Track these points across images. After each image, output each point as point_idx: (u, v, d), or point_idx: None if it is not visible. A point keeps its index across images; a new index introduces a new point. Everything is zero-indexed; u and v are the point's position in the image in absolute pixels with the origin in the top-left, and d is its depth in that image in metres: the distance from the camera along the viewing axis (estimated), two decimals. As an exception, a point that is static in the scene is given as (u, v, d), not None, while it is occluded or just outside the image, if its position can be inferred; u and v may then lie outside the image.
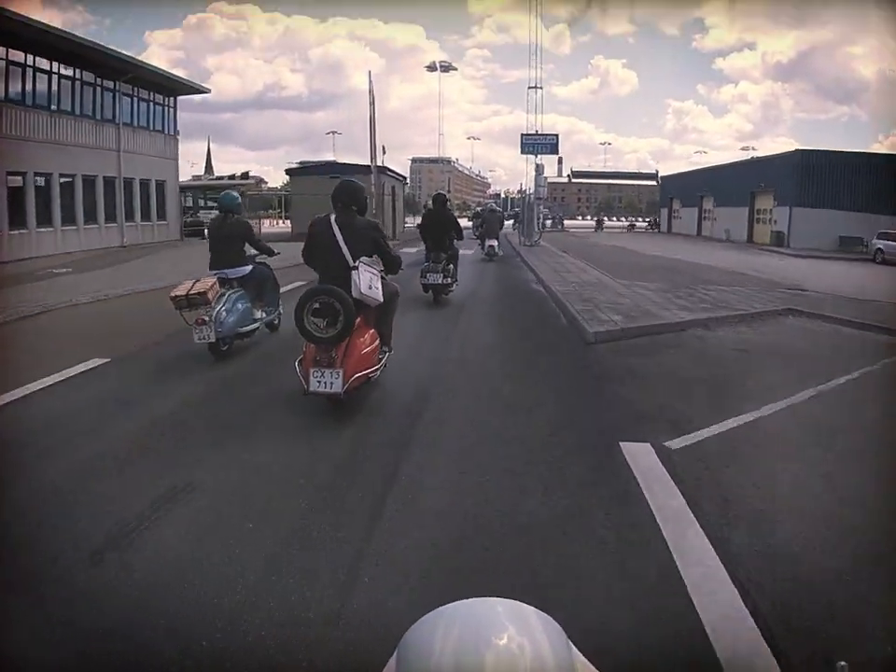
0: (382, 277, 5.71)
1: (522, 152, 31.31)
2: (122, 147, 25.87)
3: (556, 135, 32.29)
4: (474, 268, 18.42)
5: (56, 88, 22.61)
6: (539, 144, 31.48)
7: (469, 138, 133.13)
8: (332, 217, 5.51)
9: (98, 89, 24.87)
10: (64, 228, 22.57)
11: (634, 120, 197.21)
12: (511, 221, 45.26)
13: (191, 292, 7.07)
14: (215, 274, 7.61)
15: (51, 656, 2.50)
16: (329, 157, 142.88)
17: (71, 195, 22.96)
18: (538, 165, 29.32)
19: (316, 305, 5.19)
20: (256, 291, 8.05)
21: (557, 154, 32.10)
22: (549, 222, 51.74)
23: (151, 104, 28.49)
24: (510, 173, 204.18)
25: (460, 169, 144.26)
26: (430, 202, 13.96)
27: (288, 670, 2.42)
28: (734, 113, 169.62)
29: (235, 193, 8.59)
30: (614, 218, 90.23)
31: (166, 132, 29.67)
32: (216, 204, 10.79)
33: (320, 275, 5.58)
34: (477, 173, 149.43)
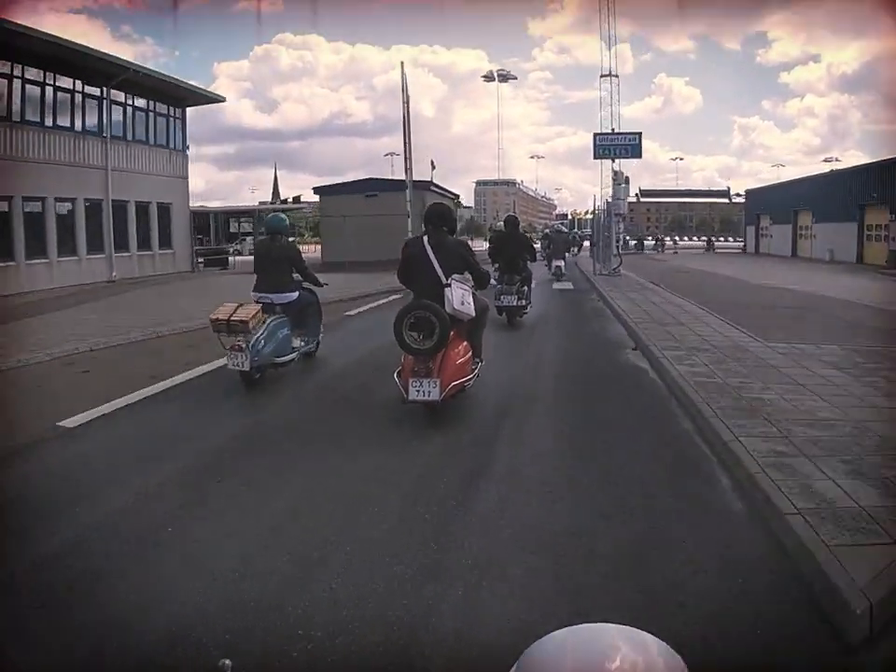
0: (472, 293, 5.90)
1: (595, 156, 23.87)
2: (111, 165, 21.54)
3: (639, 134, 24.37)
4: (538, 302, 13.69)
5: (20, 94, 18.47)
6: (616, 146, 23.67)
7: (532, 157, 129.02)
8: (425, 238, 5.82)
9: (78, 96, 20.60)
10: (31, 262, 18.35)
11: (699, 138, 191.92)
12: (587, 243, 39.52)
13: (233, 318, 6.76)
14: (258, 299, 7.33)
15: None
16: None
17: (41, 223, 18.83)
18: (616, 173, 22.97)
19: (412, 320, 5.47)
20: (298, 319, 7.77)
21: (640, 156, 24.41)
22: (633, 243, 45.35)
23: (152, 114, 24.18)
24: (575, 194, 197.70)
25: (525, 191, 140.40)
26: (498, 224, 14.63)
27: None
28: (800, 127, 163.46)
29: (283, 215, 8.19)
30: (686, 238, 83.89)
31: (172, 147, 25.27)
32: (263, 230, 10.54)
33: (415, 293, 5.89)
34: (543, 194, 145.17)
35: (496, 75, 73.30)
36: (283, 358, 7.29)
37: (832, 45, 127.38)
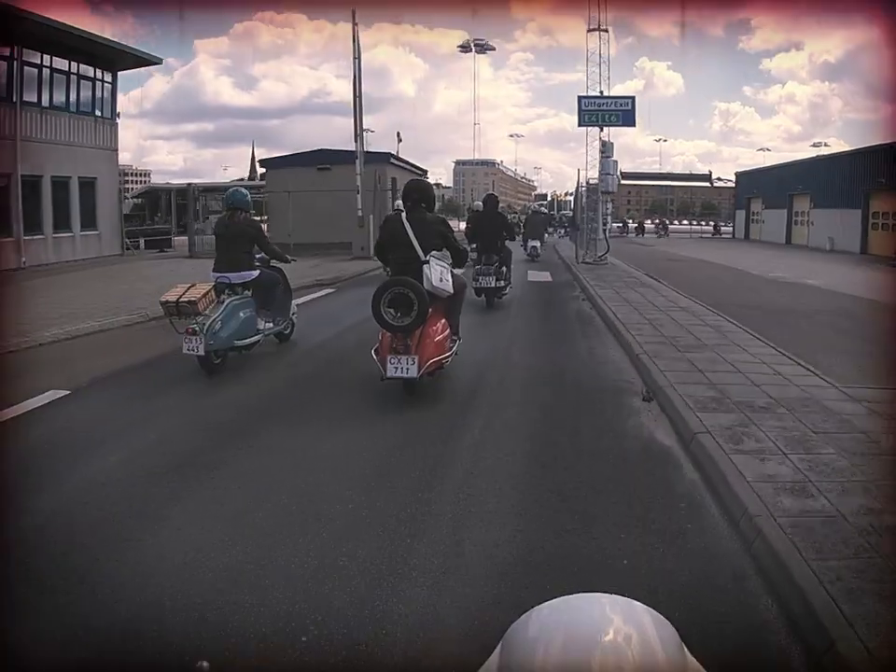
0: (451, 270, 5.82)
1: (580, 123, 18.76)
2: (21, 134, 17.84)
3: (631, 98, 18.72)
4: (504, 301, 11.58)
5: None
6: (605, 111, 18.39)
7: (511, 136, 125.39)
8: (403, 215, 5.72)
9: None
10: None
11: (680, 123, 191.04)
12: (561, 230, 35.69)
13: (182, 299, 6.29)
14: (217, 278, 6.81)
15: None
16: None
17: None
18: (604, 143, 18.33)
19: (391, 296, 5.36)
20: (263, 298, 7.23)
21: (633, 124, 19.26)
22: (615, 226, 40.84)
23: (74, 78, 20.23)
24: (555, 175, 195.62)
25: (505, 171, 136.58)
26: (476, 204, 14.51)
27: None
28: (781, 114, 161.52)
29: (244, 190, 7.66)
30: (676, 222, 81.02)
31: (99, 115, 21.35)
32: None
33: (393, 269, 5.80)
34: (523, 175, 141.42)
35: (472, 45, 68.95)
36: (245, 341, 6.79)
37: (815, 33, 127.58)
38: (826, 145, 63.07)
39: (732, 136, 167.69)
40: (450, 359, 5.80)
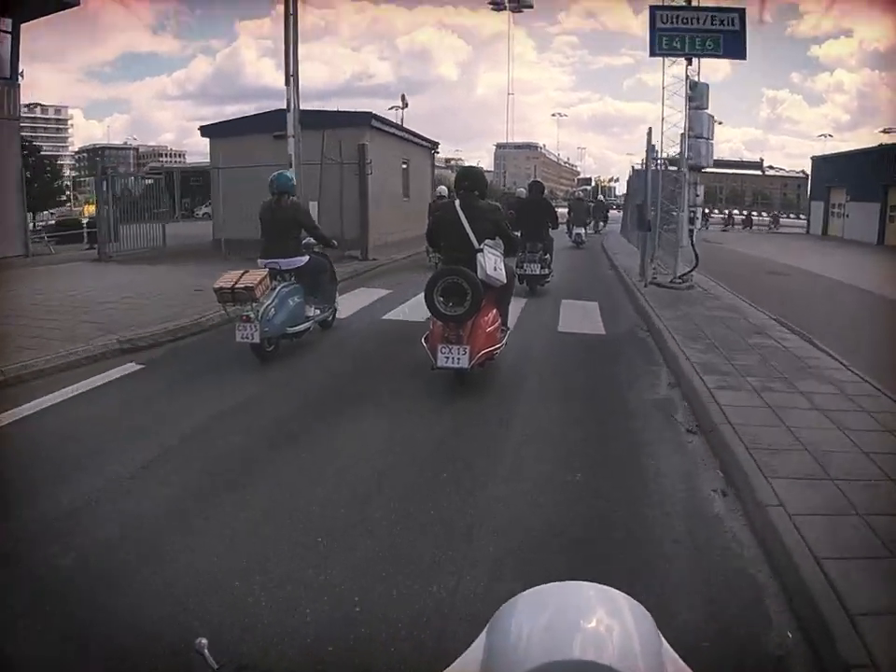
0: (503, 259, 5.58)
1: (653, 52, 10.64)
2: None
3: (740, 11, 10.38)
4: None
5: None
6: (696, 32, 10.33)
7: (553, 115, 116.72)
8: (457, 203, 5.48)
9: None
10: None
11: (727, 109, 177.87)
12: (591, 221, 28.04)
13: (237, 286, 5.97)
14: (266, 265, 6.51)
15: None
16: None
17: None
18: (694, 84, 10.68)
19: (444, 286, 5.17)
20: (311, 285, 6.92)
21: (741, 57, 10.50)
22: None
23: None
24: (599, 161, 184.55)
25: (547, 155, 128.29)
26: (519, 190, 15.63)
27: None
28: (830, 103, 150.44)
29: (289, 174, 7.25)
30: (716, 211, 73.22)
31: None
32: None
33: (445, 257, 5.66)
34: (566, 160, 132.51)
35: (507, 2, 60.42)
36: (297, 328, 6.57)
37: (864, 20, 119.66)
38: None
39: (779, 124, 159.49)
40: (500, 350, 5.60)
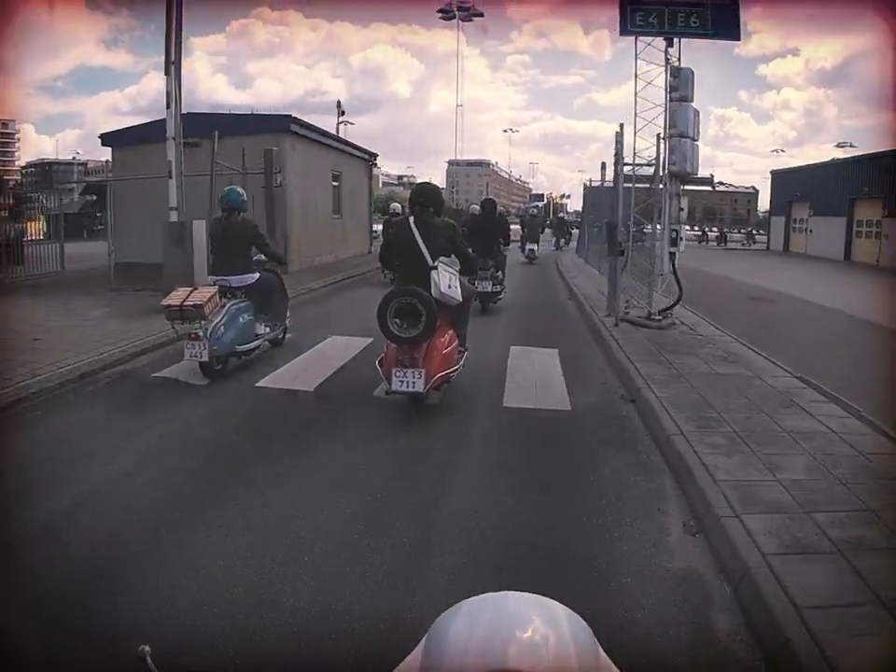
0: (458, 277, 5.44)
1: (623, 31, 8.37)
2: None
3: None
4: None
5: None
6: (676, 7, 8.10)
7: (505, 130, 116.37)
8: (411, 219, 5.36)
9: None
10: None
11: None
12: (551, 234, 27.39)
13: (186, 303, 5.93)
14: (216, 281, 6.49)
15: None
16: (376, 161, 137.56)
17: None
18: (677, 71, 8.58)
19: (397, 306, 5.03)
20: (261, 302, 6.86)
21: (737, 38, 8.52)
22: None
23: None
24: (550, 179, 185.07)
25: (499, 173, 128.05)
26: (472, 207, 14.57)
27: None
28: (777, 120, 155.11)
29: (240, 189, 7.06)
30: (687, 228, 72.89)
31: None
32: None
33: (399, 276, 5.61)
34: (518, 177, 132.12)
35: (456, 9, 58.65)
36: (246, 346, 6.52)
37: (811, 39, 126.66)
38: (853, 146, 53.52)
39: (727, 141, 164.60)
40: (457, 373, 5.39)
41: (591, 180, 20.58)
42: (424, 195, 5.51)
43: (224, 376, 6.21)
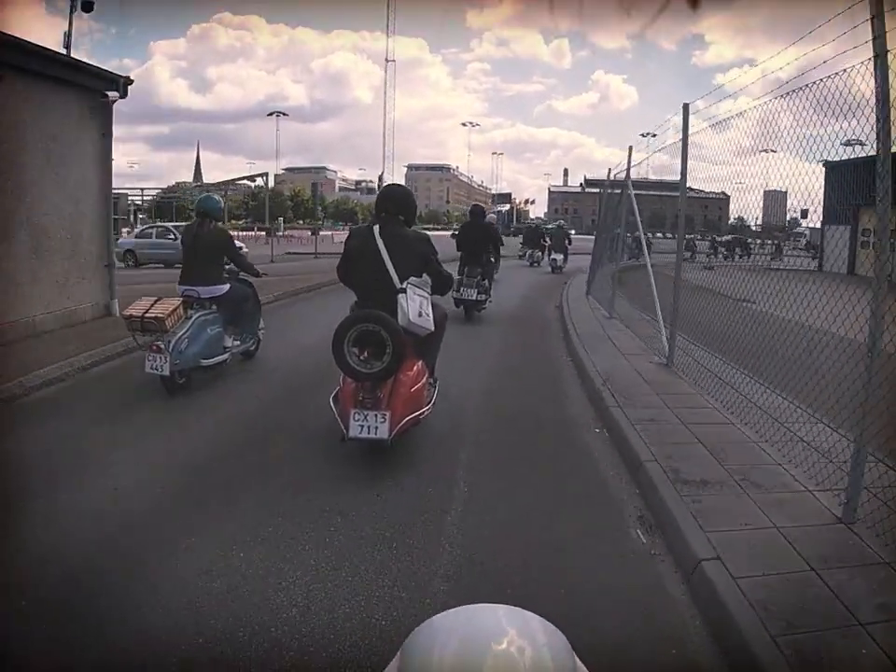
0: (430, 300, 4.67)
1: None
2: None
3: None
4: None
5: None
6: None
7: (464, 124, 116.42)
8: (376, 229, 4.50)
9: None
10: None
11: (635, 135, 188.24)
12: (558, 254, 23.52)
13: (147, 315, 5.83)
14: (184, 292, 6.31)
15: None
16: (332, 167, 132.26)
17: None
18: None
19: (356, 334, 4.26)
20: (231, 314, 6.68)
21: None
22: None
23: None
24: (512, 184, 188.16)
25: (460, 177, 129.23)
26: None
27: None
28: (733, 129, 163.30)
29: (217, 196, 7.12)
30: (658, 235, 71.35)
31: None
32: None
33: (359, 297, 4.67)
34: (480, 182, 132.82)
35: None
36: (211, 360, 6.28)
37: (767, 49, 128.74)
38: (861, 143, 53.54)
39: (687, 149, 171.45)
40: (428, 413, 4.59)
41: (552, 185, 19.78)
42: (393, 200, 4.66)
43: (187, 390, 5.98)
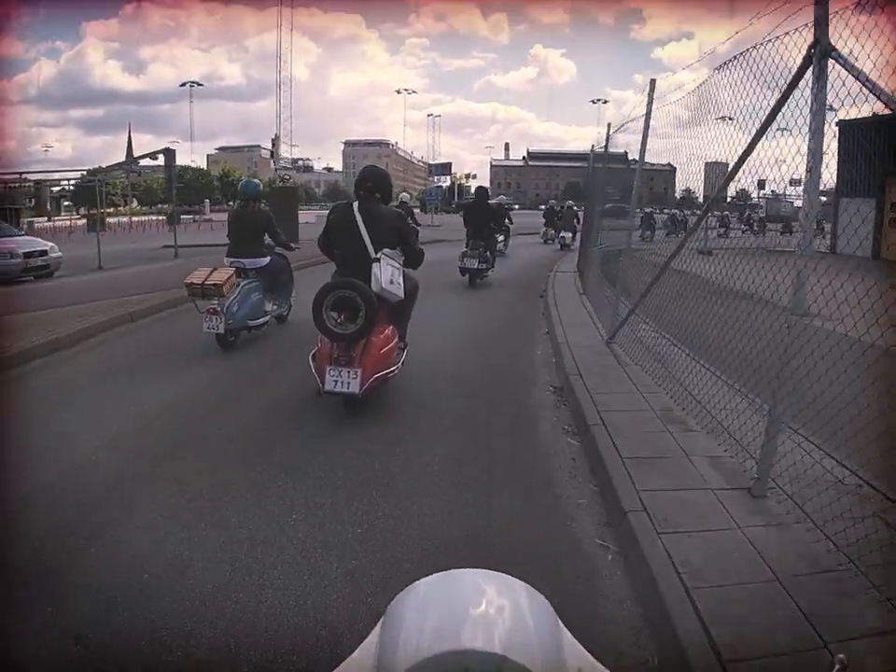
0: (403, 270, 5.35)
1: None
2: None
3: None
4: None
5: None
6: None
7: (398, 91, 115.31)
8: (355, 205, 5.22)
9: None
10: None
11: (574, 109, 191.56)
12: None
13: (207, 282, 7.01)
14: (231, 263, 7.51)
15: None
16: (267, 145, 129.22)
17: None
18: None
19: (334, 299, 4.97)
20: (270, 283, 7.92)
21: None
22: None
23: None
24: (453, 160, 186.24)
25: (399, 153, 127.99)
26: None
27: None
28: (673, 102, 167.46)
29: (256, 181, 8.78)
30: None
31: None
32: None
33: (338, 266, 5.38)
34: (420, 157, 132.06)
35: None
36: (256, 322, 7.52)
37: (705, 23, 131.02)
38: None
39: (624, 123, 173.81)
40: (396, 371, 5.29)
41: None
42: (371, 179, 5.32)
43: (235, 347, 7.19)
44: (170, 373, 6.29)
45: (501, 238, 16.66)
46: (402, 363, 5.42)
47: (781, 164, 3.72)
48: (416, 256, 5.50)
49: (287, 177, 25.93)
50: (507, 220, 17.54)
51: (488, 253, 12.46)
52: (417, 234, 11.16)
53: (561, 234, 23.53)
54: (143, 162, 28.34)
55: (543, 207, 32.42)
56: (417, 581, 0.74)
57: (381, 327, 5.10)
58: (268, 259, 7.73)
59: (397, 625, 0.70)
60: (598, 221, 11.54)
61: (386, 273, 5.01)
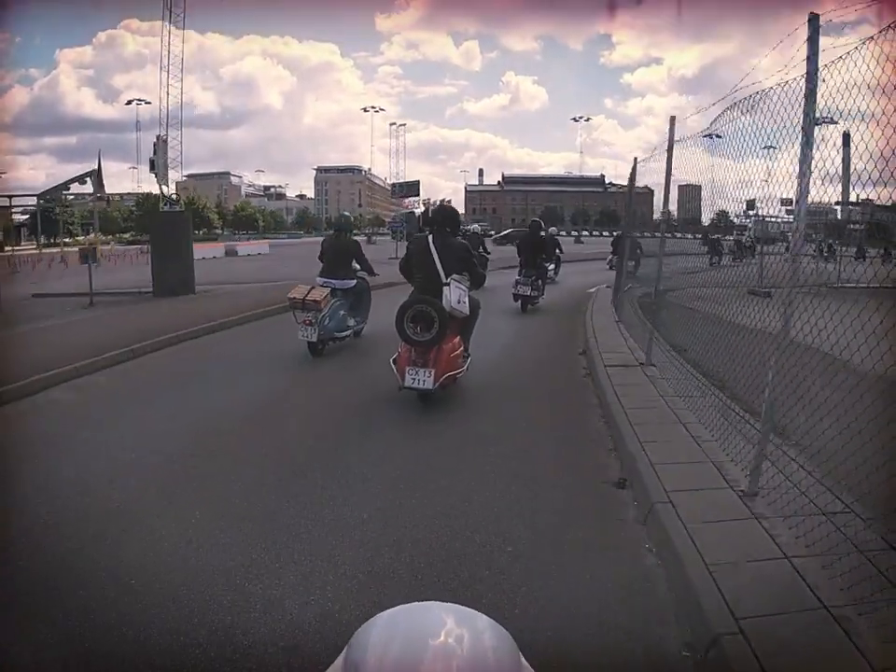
0: (468, 293, 6.69)
1: None
2: None
3: None
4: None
5: None
6: None
7: (365, 109, 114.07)
8: (430, 238, 6.62)
9: None
10: None
11: (546, 135, 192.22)
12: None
13: (308, 298, 8.54)
14: (324, 283, 9.09)
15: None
16: (237, 172, 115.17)
17: None
18: None
19: (413, 313, 6.27)
20: (354, 302, 9.47)
21: None
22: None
23: None
24: (427, 187, 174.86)
25: (373, 179, 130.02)
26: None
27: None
28: (642, 126, 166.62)
29: (348, 214, 11.06)
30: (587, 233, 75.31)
31: None
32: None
33: (416, 287, 6.70)
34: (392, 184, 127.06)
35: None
36: (341, 334, 9.12)
37: (672, 48, 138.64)
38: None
39: (595, 147, 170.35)
40: (462, 373, 6.73)
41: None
42: (441, 215, 6.86)
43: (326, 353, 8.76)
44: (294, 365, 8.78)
45: (552, 266, 17.73)
46: (467, 367, 6.82)
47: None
48: (480, 279, 6.91)
49: (175, 197, 20.92)
50: (557, 250, 18.74)
51: (539, 281, 13.71)
52: (487, 261, 14.41)
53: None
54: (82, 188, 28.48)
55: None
56: (381, 613, 0.78)
57: (450, 336, 6.37)
58: (354, 281, 9.27)
59: (360, 655, 0.73)
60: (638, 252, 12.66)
61: (455, 295, 6.32)
